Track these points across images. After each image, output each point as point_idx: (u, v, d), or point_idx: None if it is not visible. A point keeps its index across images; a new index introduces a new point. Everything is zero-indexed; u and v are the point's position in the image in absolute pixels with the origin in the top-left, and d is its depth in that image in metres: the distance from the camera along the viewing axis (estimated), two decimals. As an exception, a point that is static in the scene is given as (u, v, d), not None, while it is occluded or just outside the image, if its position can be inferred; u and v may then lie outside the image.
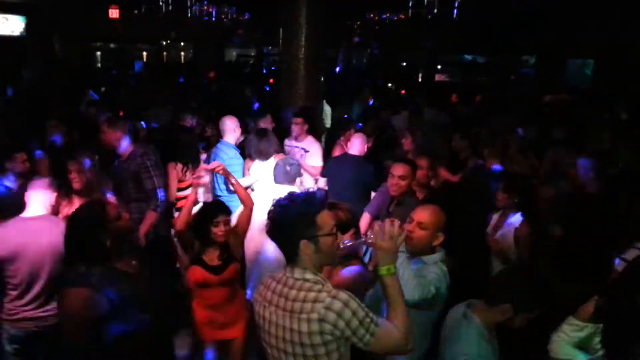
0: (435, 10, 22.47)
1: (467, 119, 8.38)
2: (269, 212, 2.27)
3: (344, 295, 2.10)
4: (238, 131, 5.73)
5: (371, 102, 10.88)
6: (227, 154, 5.56)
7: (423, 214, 2.90)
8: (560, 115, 9.08)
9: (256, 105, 9.92)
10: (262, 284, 2.37)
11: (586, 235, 4.26)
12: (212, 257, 3.57)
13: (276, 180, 4.40)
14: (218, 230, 3.50)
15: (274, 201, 2.29)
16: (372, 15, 23.73)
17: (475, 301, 2.63)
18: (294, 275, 2.21)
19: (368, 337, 2.09)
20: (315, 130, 6.57)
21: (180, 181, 5.18)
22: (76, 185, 4.13)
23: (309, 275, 2.19)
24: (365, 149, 5.56)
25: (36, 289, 3.38)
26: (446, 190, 5.32)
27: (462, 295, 2.86)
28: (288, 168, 4.37)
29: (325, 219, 2.22)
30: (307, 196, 2.26)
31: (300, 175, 4.54)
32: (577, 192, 4.81)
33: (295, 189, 4.38)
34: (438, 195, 4.70)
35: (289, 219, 2.20)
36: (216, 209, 3.59)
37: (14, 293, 3.39)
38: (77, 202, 3.90)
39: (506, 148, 5.70)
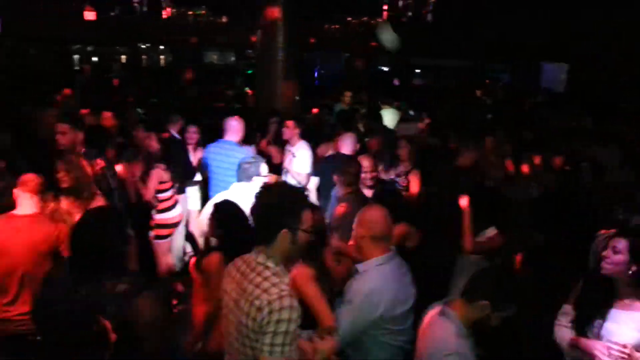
0: (410, 14, 22.62)
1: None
2: (259, 193, 2.37)
3: (291, 302, 2.18)
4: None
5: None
6: (239, 152, 5.28)
7: (356, 224, 2.94)
8: (531, 119, 9.21)
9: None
10: (234, 261, 2.47)
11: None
12: None
13: (237, 179, 4.46)
14: None
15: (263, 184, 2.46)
16: (349, 19, 23.82)
17: (451, 298, 2.66)
18: (257, 259, 2.31)
19: (267, 349, 2.15)
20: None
21: (161, 182, 5.23)
22: (64, 184, 4.00)
23: (270, 264, 2.29)
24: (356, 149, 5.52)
25: (14, 288, 3.38)
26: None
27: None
28: (246, 166, 4.42)
29: (308, 216, 2.35)
30: (298, 190, 2.47)
31: (258, 174, 4.48)
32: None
33: (254, 187, 4.38)
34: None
35: (278, 204, 2.30)
36: None
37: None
38: (64, 202, 3.91)
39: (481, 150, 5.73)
